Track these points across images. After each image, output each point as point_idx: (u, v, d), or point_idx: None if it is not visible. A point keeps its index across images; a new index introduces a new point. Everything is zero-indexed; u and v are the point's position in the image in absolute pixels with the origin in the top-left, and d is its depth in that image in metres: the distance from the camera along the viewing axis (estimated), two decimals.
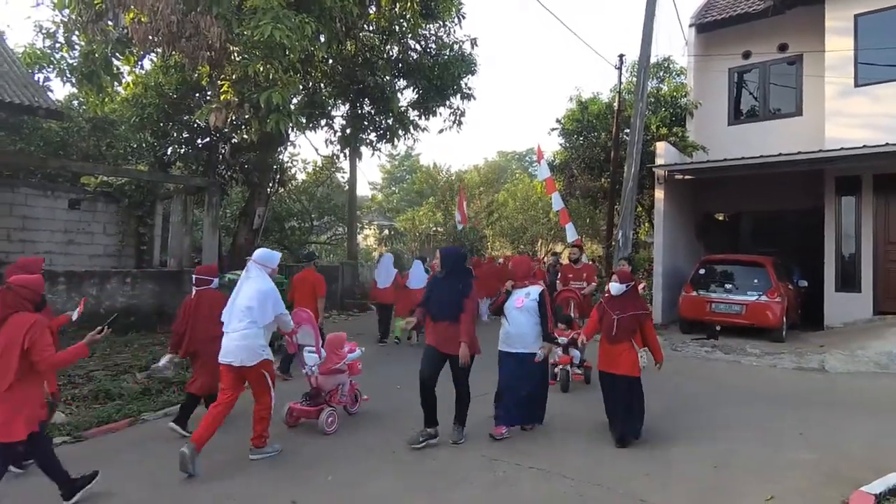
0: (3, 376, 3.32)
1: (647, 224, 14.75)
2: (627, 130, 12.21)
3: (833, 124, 10.66)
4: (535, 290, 4.93)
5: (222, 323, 4.45)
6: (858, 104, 10.45)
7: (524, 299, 4.88)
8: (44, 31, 7.96)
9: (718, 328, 10.06)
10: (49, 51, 8.07)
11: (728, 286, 10.07)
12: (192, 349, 5.02)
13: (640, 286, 6.99)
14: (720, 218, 14.78)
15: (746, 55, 12.81)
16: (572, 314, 7.30)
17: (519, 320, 4.89)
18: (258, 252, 4.80)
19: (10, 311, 3.42)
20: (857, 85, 10.56)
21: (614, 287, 4.90)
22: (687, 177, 11.84)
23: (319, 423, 5.00)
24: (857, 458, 4.53)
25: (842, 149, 9.43)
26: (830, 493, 3.91)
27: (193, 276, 5.28)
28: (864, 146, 9.18)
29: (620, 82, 13.75)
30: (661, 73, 15.32)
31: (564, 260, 11.45)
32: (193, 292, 5.19)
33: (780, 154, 10.02)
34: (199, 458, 4.10)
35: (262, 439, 4.48)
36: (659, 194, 11.63)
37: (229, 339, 4.33)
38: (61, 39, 7.98)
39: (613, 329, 4.78)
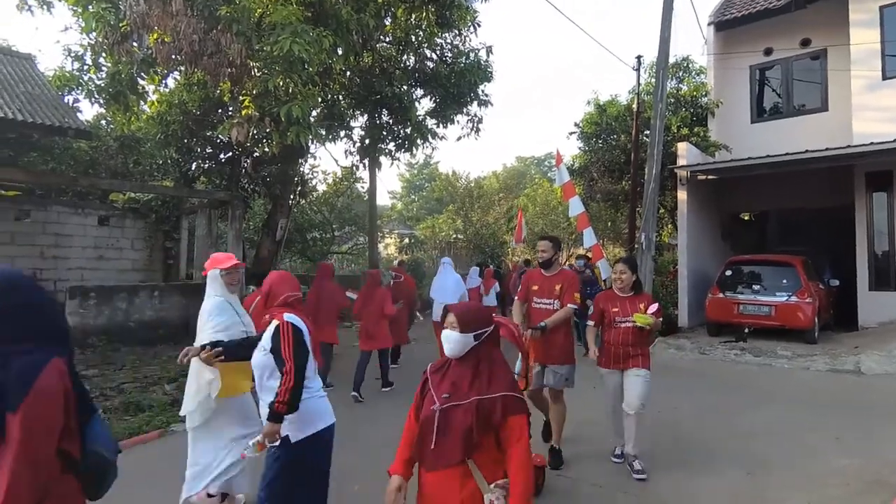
0: (381, 315, 6.94)
1: (670, 226, 14.52)
2: (647, 132, 12.08)
3: (861, 119, 10.39)
4: (272, 328, 2.79)
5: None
6: (887, 97, 10.17)
7: (261, 348, 2.81)
8: (72, 54, 8.21)
9: (747, 330, 9.84)
10: (77, 73, 8.31)
11: (756, 287, 9.85)
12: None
13: (651, 308, 4.27)
14: (746, 218, 14.49)
15: (768, 52, 12.58)
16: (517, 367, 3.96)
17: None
18: (446, 258, 9.05)
19: (375, 285, 7.13)
20: (884, 78, 10.28)
21: (448, 341, 2.19)
22: (710, 177, 11.65)
23: None
24: None
25: (871, 143, 9.18)
26: (871, 500, 3.78)
27: (394, 273, 8.86)
28: (895, 140, 8.92)
29: (639, 83, 13.60)
30: (681, 73, 15.11)
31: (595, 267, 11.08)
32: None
33: (806, 151, 9.79)
34: None
35: None
36: (681, 195, 11.46)
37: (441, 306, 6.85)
38: (89, 62, 8.22)
39: (432, 435, 2.12)
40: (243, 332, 3.69)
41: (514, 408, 2.07)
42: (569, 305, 4.51)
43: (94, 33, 7.31)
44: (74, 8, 7.21)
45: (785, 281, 9.60)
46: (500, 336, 2.26)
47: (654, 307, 4.29)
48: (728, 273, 10.28)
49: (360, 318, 7.28)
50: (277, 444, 2.62)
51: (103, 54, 7.88)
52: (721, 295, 10.04)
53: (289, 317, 2.79)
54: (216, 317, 3.66)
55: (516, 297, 4.95)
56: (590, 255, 11.51)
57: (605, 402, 4.60)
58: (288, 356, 2.64)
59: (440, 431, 2.10)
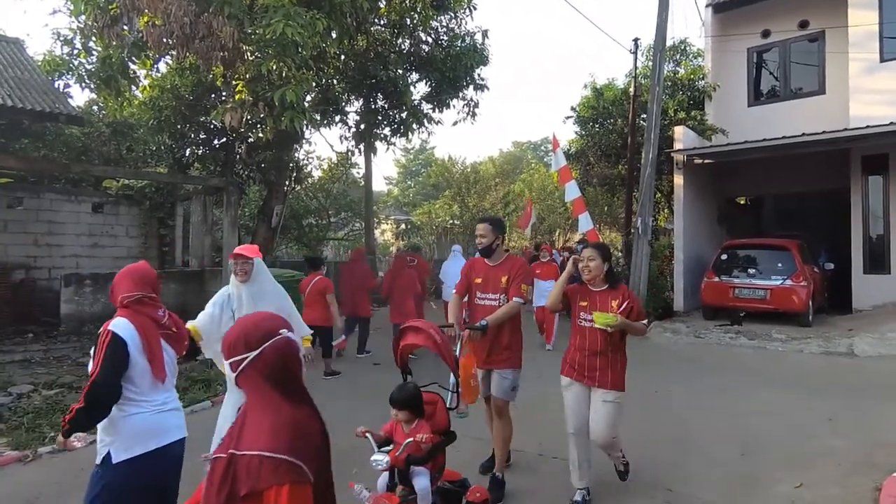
0: (408, 294, 8.11)
1: (666, 210, 14.52)
2: (644, 116, 12.02)
3: (858, 102, 10.35)
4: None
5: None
6: (884, 80, 10.13)
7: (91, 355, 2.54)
8: (61, 38, 8.09)
9: (742, 314, 9.90)
10: (67, 57, 8.20)
11: (751, 271, 9.89)
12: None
13: (621, 307, 3.39)
14: (742, 202, 14.50)
15: (766, 34, 12.48)
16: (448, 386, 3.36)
17: None
18: (457, 245, 9.87)
19: (402, 267, 8.27)
20: (882, 60, 10.23)
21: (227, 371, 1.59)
22: (706, 161, 11.62)
23: None
24: (889, 444, 4.43)
25: (867, 126, 9.16)
26: (862, 479, 3.83)
27: (408, 258, 9.02)
28: (892, 123, 8.90)
29: (636, 67, 13.49)
30: (678, 56, 15.01)
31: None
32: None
33: (803, 134, 9.77)
34: None
35: None
36: (678, 180, 11.44)
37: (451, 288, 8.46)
38: (79, 46, 8.10)
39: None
40: (230, 324, 3.76)
41: (269, 475, 1.36)
42: (515, 300, 3.70)
43: (84, 16, 7.20)
44: None
45: (780, 265, 9.64)
46: (276, 363, 1.48)
47: (625, 304, 3.39)
48: (723, 257, 10.32)
49: (390, 297, 8.26)
50: (98, 462, 2.36)
51: (93, 38, 7.77)
52: (716, 279, 10.08)
53: (115, 324, 2.37)
54: (210, 305, 3.86)
55: (454, 292, 4.11)
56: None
57: (566, 423, 3.61)
58: (92, 371, 2.28)
59: (206, 493, 1.45)
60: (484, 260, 3.96)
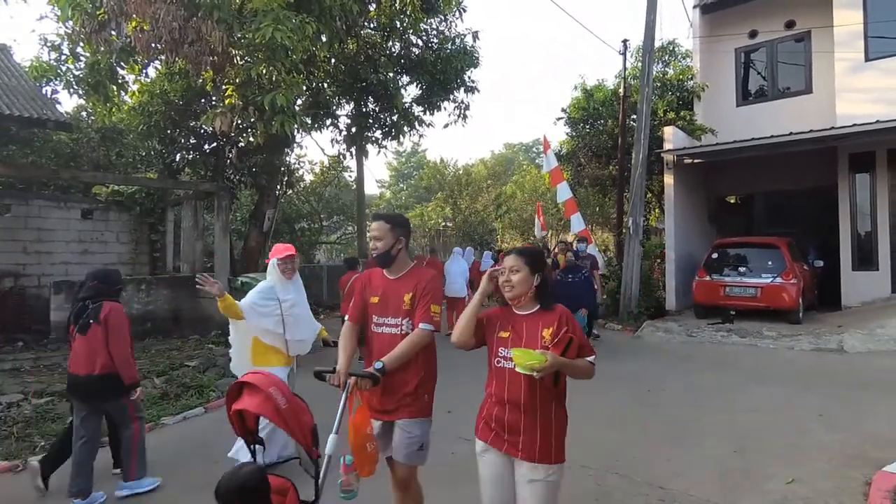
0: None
1: (657, 210, 14.61)
2: (634, 116, 12.10)
3: (844, 100, 10.48)
4: None
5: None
6: (870, 78, 10.25)
7: None
8: (49, 43, 8.04)
9: (733, 312, 9.96)
10: (55, 63, 8.15)
11: (742, 269, 9.96)
12: None
13: (556, 338, 2.23)
14: (732, 201, 14.62)
15: (753, 34, 12.61)
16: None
17: None
18: (457, 248, 10.51)
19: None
20: (867, 59, 10.36)
21: None
22: (696, 160, 11.71)
23: None
24: (879, 439, 4.48)
25: (854, 125, 9.27)
26: (853, 473, 3.87)
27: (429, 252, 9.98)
28: (877, 121, 9.02)
29: (625, 68, 13.59)
30: (667, 57, 15.13)
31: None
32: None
33: (790, 133, 9.88)
34: None
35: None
36: (668, 179, 11.52)
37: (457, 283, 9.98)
38: (66, 51, 8.06)
39: None
40: (277, 316, 4.03)
41: None
42: (421, 327, 2.67)
43: (71, 22, 7.16)
44: None
45: (770, 262, 9.72)
46: None
47: (561, 333, 2.25)
48: (714, 256, 10.39)
49: None
50: None
51: (81, 43, 7.73)
52: (707, 277, 10.15)
53: None
54: (256, 295, 4.07)
55: (346, 318, 2.98)
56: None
57: None
58: None
59: None
60: (382, 271, 2.87)
